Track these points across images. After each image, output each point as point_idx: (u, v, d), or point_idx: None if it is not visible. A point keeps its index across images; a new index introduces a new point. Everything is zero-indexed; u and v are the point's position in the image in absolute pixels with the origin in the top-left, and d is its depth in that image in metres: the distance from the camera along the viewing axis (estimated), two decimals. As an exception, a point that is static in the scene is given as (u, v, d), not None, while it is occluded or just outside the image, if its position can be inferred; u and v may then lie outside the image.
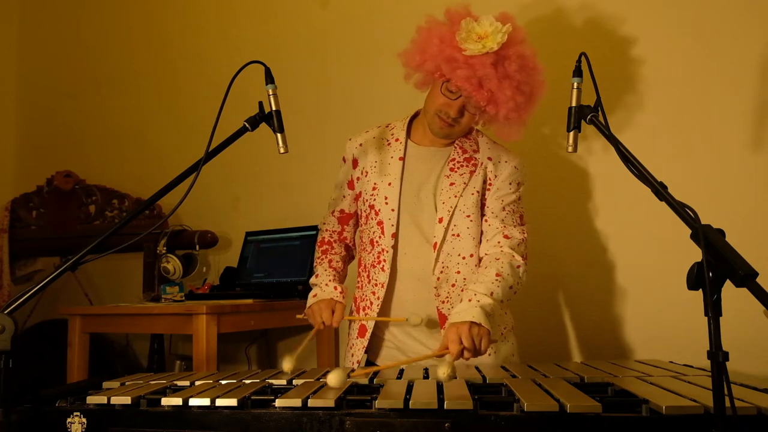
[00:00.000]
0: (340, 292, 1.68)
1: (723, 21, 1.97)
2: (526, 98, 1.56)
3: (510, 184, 1.66)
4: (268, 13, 2.87)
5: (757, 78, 1.91)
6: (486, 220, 1.64)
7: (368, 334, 1.66)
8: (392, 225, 1.64)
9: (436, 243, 1.61)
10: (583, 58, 1.35)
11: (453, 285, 1.62)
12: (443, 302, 1.61)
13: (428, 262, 1.62)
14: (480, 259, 1.63)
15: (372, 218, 1.68)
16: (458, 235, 1.63)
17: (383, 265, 1.64)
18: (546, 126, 2.22)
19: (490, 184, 1.66)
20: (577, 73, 1.35)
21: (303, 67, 2.72)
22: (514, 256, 1.57)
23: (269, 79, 1.45)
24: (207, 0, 3.06)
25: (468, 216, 1.63)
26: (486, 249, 1.62)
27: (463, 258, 1.63)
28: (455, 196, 1.63)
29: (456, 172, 1.66)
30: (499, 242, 1.60)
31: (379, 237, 1.65)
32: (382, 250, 1.64)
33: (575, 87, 1.35)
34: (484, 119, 1.64)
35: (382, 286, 1.63)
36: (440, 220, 1.62)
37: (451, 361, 1.20)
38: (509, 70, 1.51)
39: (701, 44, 2.00)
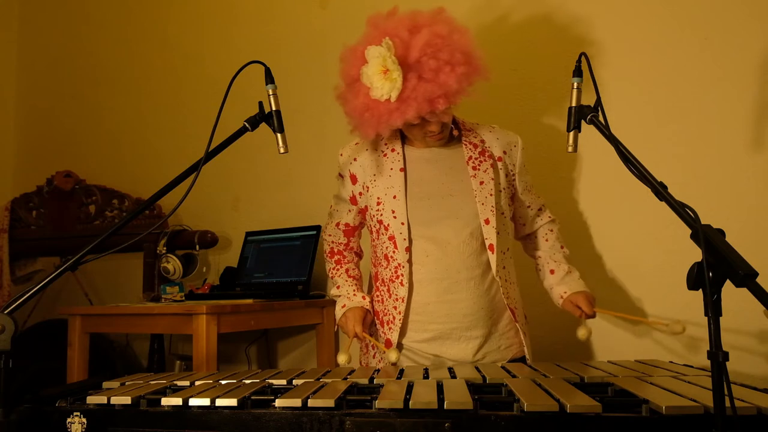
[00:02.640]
0: (369, 302, 1.71)
1: (723, 21, 1.97)
2: (465, 64, 1.52)
3: (524, 165, 1.77)
4: (268, 14, 2.87)
5: (757, 78, 1.91)
6: (529, 207, 1.80)
7: (394, 346, 1.64)
8: (404, 239, 1.62)
9: (491, 245, 1.62)
10: (583, 58, 1.35)
11: (506, 280, 1.68)
12: (506, 297, 1.66)
13: (454, 262, 1.61)
14: (527, 235, 1.86)
15: (383, 233, 1.67)
16: (499, 233, 1.65)
17: (401, 280, 1.62)
18: (545, 125, 2.22)
19: (513, 175, 1.74)
20: (577, 73, 1.36)
21: (303, 67, 2.72)
22: (554, 220, 1.84)
23: (269, 79, 1.45)
24: (207, 0, 3.06)
25: (502, 213, 1.69)
26: (532, 227, 1.83)
27: (503, 253, 1.68)
28: (490, 195, 1.65)
29: (479, 169, 1.67)
30: (540, 217, 1.83)
31: (393, 252, 1.64)
32: (398, 265, 1.63)
33: (575, 87, 1.35)
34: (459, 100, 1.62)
35: (402, 301, 1.62)
36: (487, 222, 1.63)
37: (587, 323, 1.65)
38: (432, 66, 1.48)
39: (701, 44, 2.00)
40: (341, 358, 1.51)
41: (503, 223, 1.67)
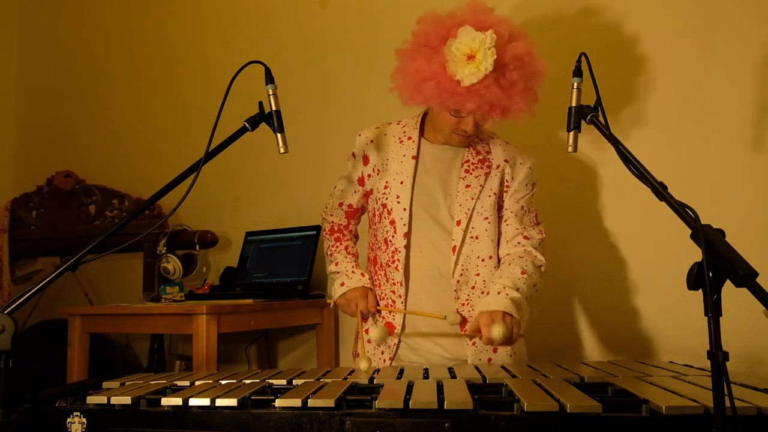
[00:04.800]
0: (369, 279, 1.70)
1: (723, 21, 1.97)
2: (534, 91, 1.55)
3: (526, 185, 1.70)
4: (268, 14, 2.87)
5: (757, 78, 1.92)
6: (506, 222, 1.67)
7: (397, 331, 1.64)
8: (404, 224, 1.63)
9: (455, 246, 1.61)
10: (583, 58, 1.35)
11: (473, 287, 1.63)
12: (463, 304, 1.61)
13: (445, 261, 1.62)
14: (500, 260, 1.68)
15: (385, 217, 1.68)
16: (476, 238, 1.64)
17: (397, 265, 1.63)
18: (546, 125, 2.22)
19: (507, 186, 1.69)
20: (577, 73, 1.36)
21: (303, 67, 2.72)
22: (536, 255, 1.63)
23: (269, 79, 1.45)
24: (207, 0, 3.06)
25: (486, 218, 1.65)
26: (507, 249, 1.66)
27: (482, 260, 1.64)
28: (472, 199, 1.64)
29: (471, 174, 1.67)
30: (519, 242, 1.65)
31: (392, 236, 1.65)
32: (396, 249, 1.64)
33: (575, 87, 1.35)
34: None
35: (401, 285, 1.63)
36: (458, 223, 1.62)
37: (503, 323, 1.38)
38: (512, 78, 1.48)
39: (701, 44, 2.00)
40: (362, 364, 1.42)
41: (486, 229, 1.64)
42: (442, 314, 1.57)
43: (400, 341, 1.65)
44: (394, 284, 1.64)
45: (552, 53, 2.19)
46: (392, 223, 1.65)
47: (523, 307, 1.53)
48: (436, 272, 1.63)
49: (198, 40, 3.05)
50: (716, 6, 1.98)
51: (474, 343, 1.61)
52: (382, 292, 1.68)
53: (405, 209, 1.64)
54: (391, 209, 1.66)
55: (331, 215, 1.84)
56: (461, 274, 1.62)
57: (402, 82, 1.57)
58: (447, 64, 1.47)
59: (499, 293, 1.52)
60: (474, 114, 1.55)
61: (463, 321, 1.61)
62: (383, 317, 1.67)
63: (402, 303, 1.63)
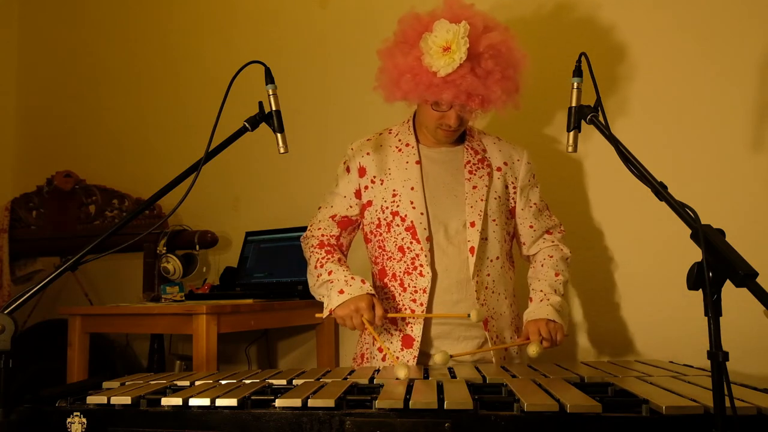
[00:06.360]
0: (371, 286, 1.58)
1: (722, 21, 1.97)
2: (513, 81, 1.56)
3: (529, 180, 1.74)
4: (268, 14, 2.87)
5: (757, 78, 1.91)
6: (531, 227, 1.74)
7: (417, 344, 1.59)
8: (425, 229, 1.62)
9: (473, 247, 1.62)
10: (583, 58, 1.35)
11: (486, 287, 1.64)
12: (482, 305, 1.61)
13: (460, 264, 1.62)
14: (528, 257, 1.79)
15: (397, 225, 1.65)
16: (486, 239, 1.65)
17: (421, 270, 1.61)
18: (546, 125, 2.22)
19: (514, 188, 1.72)
20: (577, 73, 1.36)
21: (303, 67, 2.72)
22: (562, 249, 1.74)
23: (269, 79, 1.45)
24: (207, 0, 3.06)
25: (494, 220, 1.67)
26: (535, 248, 1.76)
27: (491, 261, 1.66)
28: (481, 200, 1.65)
29: (475, 174, 1.68)
30: (545, 238, 1.76)
31: (411, 242, 1.63)
32: (417, 255, 1.62)
33: (575, 87, 1.35)
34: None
35: (424, 292, 1.60)
36: (472, 225, 1.63)
37: (539, 342, 1.49)
38: (488, 66, 1.50)
39: (701, 44, 2.00)
40: (401, 373, 1.27)
41: (494, 230, 1.66)
42: (464, 313, 1.55)
43: (420, 352, 1.61)
44: (416, 292, 1.61)
45: (548, 52, 2.19)
46: (409, 229, 1.63)
47: (564, 307, 1.62)
48: (457, 273, 1.61)
49: (198, 40, 3.05)
50: (715, 6, 1.98)
51: (494, 342, 1.63)
52: (398, 304, 1.63)
53: (422, 213, 1.63)
54: (405, 215, 1.64)
55: (319, 229, 1.74)
56: (478, 275, 1.62)
57: (383, 79, 1.60)
58: (423, 57, 1.51)
59: (541, 300, 1.62)
60: (454, 106, 1.57)
61: (486, 319, 1.61)
62: (400, 330, 1.63)
63: (422, 311, 1.59)
